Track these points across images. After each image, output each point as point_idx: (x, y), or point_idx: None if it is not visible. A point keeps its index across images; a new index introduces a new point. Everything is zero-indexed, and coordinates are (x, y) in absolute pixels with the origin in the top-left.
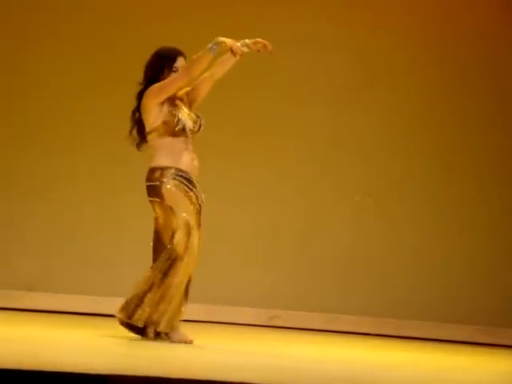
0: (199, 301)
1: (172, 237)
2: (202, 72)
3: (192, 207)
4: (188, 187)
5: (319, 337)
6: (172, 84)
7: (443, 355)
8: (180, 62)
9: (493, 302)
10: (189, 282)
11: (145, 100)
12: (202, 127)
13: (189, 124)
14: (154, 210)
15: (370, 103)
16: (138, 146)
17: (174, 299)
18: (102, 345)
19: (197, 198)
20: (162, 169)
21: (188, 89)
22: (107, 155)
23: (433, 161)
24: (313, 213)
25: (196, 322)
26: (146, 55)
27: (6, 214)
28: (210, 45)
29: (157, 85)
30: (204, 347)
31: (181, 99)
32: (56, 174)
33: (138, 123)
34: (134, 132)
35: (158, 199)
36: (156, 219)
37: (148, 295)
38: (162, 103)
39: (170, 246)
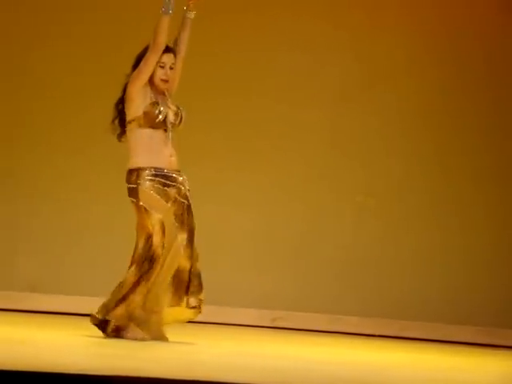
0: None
1: (149, 241)
2: (167, 35)
3: (169, 205)
4: (165, 184)
5: (322, 338)
6: (146, 62)
7: (445, 356)
8: (168, 59)
9: (494, 303)
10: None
11: (128, 88)
12: (182, 120)
13: (170, 116)
14: (134, 210)
15: (368, 104)
16: (119, 136)
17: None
18: (106, 346)
19: (179, 191)
20: (138, 170)
21: (168, 84)
22: (114, 155)
23: (432, 161)
24: (314, 214)
25: (199, 323)
26: None
27: (11, 214)
28: (162, 9)
29: (135, 71)
30: (207, 348)
31: (163, 93)
32: (61, 173)
33: (121, 114)
34: (116, 122)
35: (135, 200)
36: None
37: (131, 296)
38: (146, 94)
39: (149, 250)
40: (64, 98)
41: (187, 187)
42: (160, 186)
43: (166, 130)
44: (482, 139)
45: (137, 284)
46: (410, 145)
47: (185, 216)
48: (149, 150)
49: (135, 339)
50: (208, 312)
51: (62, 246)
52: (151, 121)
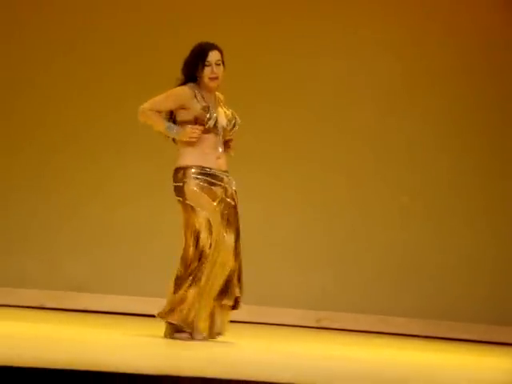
0: (247, 302)
1: (197, 238)
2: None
3: (215, 204)
4: (211, 183)
5: (368, 339)
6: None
7: (496, 358)
8: (213, 56)
9: None
10: (234, 274)
11: None
12: (236, 127)
13: (222, 122)
14: (181, 208)
15: (416, 105)
16: (175, 140)
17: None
18: (153, 345)
19: (225, 191)
20: (185, 168)
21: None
22: (159, 155)
23: (480, 162)
24: (360, 215)
25: (244, 323)
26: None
27: (56, 216)
28: (171, 126)
29: (159, 97)
30: (251, 348)
31: (213, 93)
32: (106, 175)
33: (172, 117)
34: None
35: (181, 198)
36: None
37: (185, 297)
38: (195, 96)
39: (197, 248)
40: (110, 97)
41: (234, 188)
42: (206, 185)
43: (216, 134)
44: None
45: (189, 284)
46: (459, 145)
47: (231, 216)
48: (197, 150)
49: (183, 339)
50: (253, 312)
51: (108, 247)
52: (201, 126)
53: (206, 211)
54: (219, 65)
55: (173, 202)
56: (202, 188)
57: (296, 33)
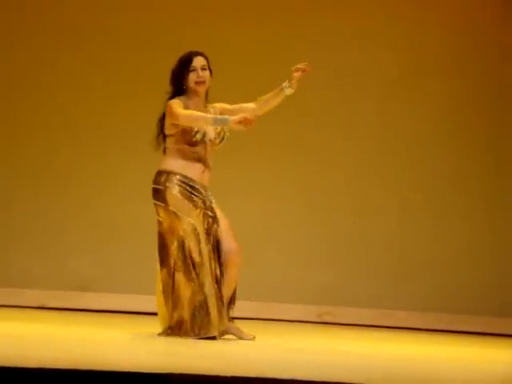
0: (249, 298)
1: (182, 245)
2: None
3: (198, 211)
4: (192, 193)
5: (370, 333)
6: (173, 117)
7: (497, 350)
8: (197, 61)
9: None
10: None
11: (167, 111)
12: (224, 139)
13: (210, 134)
14: (158, 213)
15: (417, 99)
16: (165, 150)
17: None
18: (160, 344)
19: (203, 202)
20: (168, 173)
21: (229, 107)
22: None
23: (478, 156)
24: (361, 209)
25: (247, 319)
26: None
27: (60, 216)
28: (218, 117)
29: (173, 107)
30: (255, 344)
31: (202, 99)
32: (111, 174)
33: (163, 128)
34: (160, 138)
35: (162, 204)
36: (159, 223)
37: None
38: (185, 107)
39: (186, 256)
40: (117, 92)
41: (213, 201)
42: (187, 193)
43: (204, 147)
44: None
45: (185, 289)
46: (460, 139)
47: (212, 227)
48: (183, 159)
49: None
50: (254, 308)
51: (112, 246)
52: (188, 138)
53: (191, 218)
54: (205, 69)
55: None
56: (184, 195)
57: (295, 30)
